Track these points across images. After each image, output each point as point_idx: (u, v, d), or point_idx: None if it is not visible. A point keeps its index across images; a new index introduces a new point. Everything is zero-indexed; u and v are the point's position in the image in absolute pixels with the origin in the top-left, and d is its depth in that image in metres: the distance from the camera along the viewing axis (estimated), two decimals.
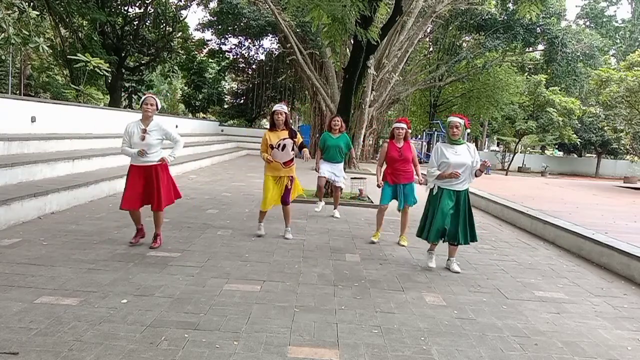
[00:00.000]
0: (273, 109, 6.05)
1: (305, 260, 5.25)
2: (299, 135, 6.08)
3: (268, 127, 6.21)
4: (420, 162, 6.81)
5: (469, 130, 5.66)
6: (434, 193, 5.20)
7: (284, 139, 5.91)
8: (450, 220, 5.05)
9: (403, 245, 6.28)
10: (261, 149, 6.05)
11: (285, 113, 5.97)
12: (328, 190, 8.32)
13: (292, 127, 6.10)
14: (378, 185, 6.39)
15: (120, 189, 8.69)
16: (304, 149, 6.05)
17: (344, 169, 8.34)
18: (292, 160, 5.97)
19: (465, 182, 5.09)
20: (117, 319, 3.38)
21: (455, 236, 5.10)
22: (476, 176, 5.12)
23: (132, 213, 5.26)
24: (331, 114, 15.03)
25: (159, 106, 5.18)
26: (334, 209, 8.15)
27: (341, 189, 8.24)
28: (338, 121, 7.96)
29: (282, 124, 5.95)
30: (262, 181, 6.21)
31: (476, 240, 5.28)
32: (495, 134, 35.52)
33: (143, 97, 5.20)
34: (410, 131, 6.51)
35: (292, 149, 5.93)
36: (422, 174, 6.24)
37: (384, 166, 6.39)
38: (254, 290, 4.17)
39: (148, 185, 5.10)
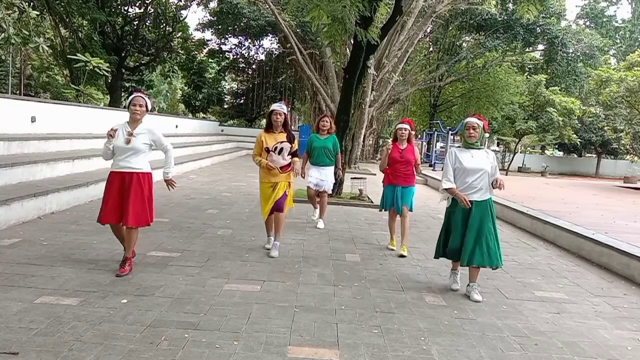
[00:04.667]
0: (271, 108, 5.39)
1: (305, 260, 5.25)
2: (296, 142, 5.45)
3: (264, 127, 5.54)
4: (421, 163, 6.60)
5: (487, 135, 4.81)
6: (448, 205, 4.65)
7: (282, 142, 5.30)
8: (465, 237, 4.41)
9: (403, 256, 5.77)
10: (254, 152, 5.42)
11: (285, 114, 5.35)
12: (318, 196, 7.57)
13: (291, 130, 5.50)
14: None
15: None
16: (295, 158, 5.40)
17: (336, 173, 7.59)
18: (289, 165, 5.36)
19: (484, 191, 4.44)
20: (117, 319, 3.38)
21: (470, 257, 4.39)
22: (493, 187, 4.47)
23: (115, 231, 4.55)
24: (331, 113, 15.02)
25: (149, 107, 4.52)
26: (319, 217, 7.32)
27: (329, 194, 7.60)
28: (327, 122, 7.24)
29: (280, 125, 5.32)
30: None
31: (500, 266, 4.50)
32: (495, 134, 35.48)
33: (131, 97, 4.49)
34: (414, 133, 6.14)
35: (289, 154, 5.35)
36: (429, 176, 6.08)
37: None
38: (254, 290, 4.17)
39: (125, 195, 4.35)
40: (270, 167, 5.25)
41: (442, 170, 4.74)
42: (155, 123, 5.01)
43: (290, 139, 5.37)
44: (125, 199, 4.32)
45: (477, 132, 4.47)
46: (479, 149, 4.51)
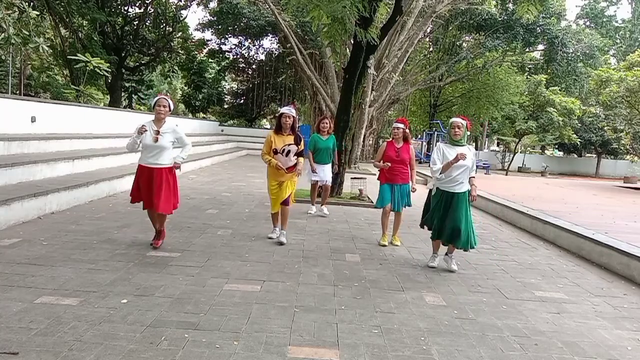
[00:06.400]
0: (281, 111, 5.81)
1: (305, 260, 5.25)
2: (302, 143, 5.87)
3: (273, 128, 5.95)
4: (420, 162, 6.76)
5: (469, 133, 5.50)
6: (433, 194, 5.29)
7: (289, 144, 5.72)
8: (450, 221, 5.05)
9: (397, 245, 6.27)
10: (263, 151, 5.84)
11: (294, 117, 5.75)
12: (318, 192, 8.33)
13: (299, 132, 5.91)
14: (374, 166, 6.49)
15: (120, 189, 8.70)
16: (300, 158, 5.84)
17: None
18: (295, 166, 5.82)
19: (464, 184, 5.07)
20: (117, 319, 3.38)
21: (452, 237, 5.07)
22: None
23: (149, 212, 5.26)
24: (331, 114, 15.02)
25: (172, 107, 5.14)
26: (321, 205, 8.25)
27: (330, 186, 8.46)
28: (327, 123, 7.94)
29: (289, 127, 5.73)
30: (263, 181, 6.19)
31: (473, 247, 5.20)
32: (495, 134, 35.47)
33: (155, 98, 5.11)
34: (408, 131, 6.36)
35: (294, 155, 5.78)
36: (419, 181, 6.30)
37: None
38: (254, 290, 4.17)
39: (153, 187, 5.02)
40: (279, 168, 5.69)
41: (433, 167, 5.31)
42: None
43: (297, 141, 5.80)
44: (157, 191, 5.00)
45: (461, 130, 5.05)
46: (462, 145, 5.07)
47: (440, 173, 5.04)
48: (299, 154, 5.82)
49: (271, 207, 6.05)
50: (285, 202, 5.92)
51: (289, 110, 5.74)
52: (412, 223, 7.76)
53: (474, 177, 5.19)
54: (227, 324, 3.42)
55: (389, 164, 6.10)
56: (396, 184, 6.18)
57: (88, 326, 3.22)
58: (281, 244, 5.86)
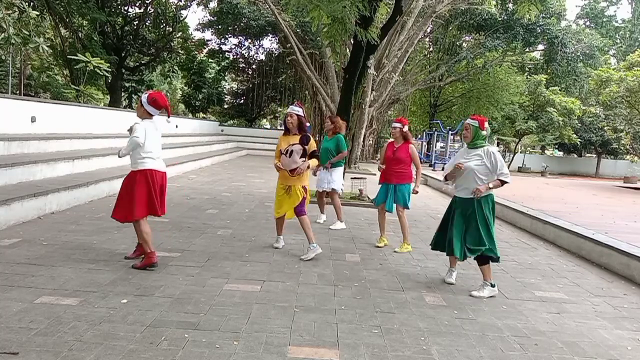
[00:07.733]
0: (287, 111, 5.54)
1: (305, 260, 5.25)
2: (312, 142, 5.40)
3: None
4: (421, 162, 6.61)
5: (485, 132, 4.70)
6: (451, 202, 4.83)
7: (293, 144, 5.35)
8: (454, 231, 4.65)
9: (408, 251, 5.97)
10: (275, 155, 5.60)
11: (298, 115, 5.36)
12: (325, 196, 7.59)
13: (308, 131, 5.52)
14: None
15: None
16: (309, 161, 5.33)
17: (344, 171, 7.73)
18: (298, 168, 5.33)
19: (467, 190, 4.58)
20: (117, 319, 3.38)
21: (451, 248, 4.61)
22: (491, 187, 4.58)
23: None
24: (331, 114, 15.02)
25: (144, 101, 4.55)
26: (338, 219, 7.31)
27: (336, 192, 7.38)
28: (328, 123, 7.36)
29: (294, 127, 5.38)
30: (263, 181, 6.07)
31: (473, 255, 4.64)
32: (495, 134, 35.45)
33: None
34: (405, 129, 6.10)
35: (301, 156, 5.32)
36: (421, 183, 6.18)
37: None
38: (254, 290, 4.17)
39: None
40: (279, 169, 5.40)
41: (442, 170, 5.01)
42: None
43: (304, 141, 5.35)
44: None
45: (468, 132, 4.62)
46: (477, 147, 4.61)
47: (447, 182, 4.82)
48: (311, 155, 5.36)
49: (274, 210, 5.68)
50: (300, 212, 5.39)
51: (292, 109, 5.45)
52: (412, 223, 7.75)
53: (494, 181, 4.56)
54: (227, 324, 3.42)
55: (383, 166, 6.07)
56: (391, 184, 6.04)
57: (88, 326, 3.22)
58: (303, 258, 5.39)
